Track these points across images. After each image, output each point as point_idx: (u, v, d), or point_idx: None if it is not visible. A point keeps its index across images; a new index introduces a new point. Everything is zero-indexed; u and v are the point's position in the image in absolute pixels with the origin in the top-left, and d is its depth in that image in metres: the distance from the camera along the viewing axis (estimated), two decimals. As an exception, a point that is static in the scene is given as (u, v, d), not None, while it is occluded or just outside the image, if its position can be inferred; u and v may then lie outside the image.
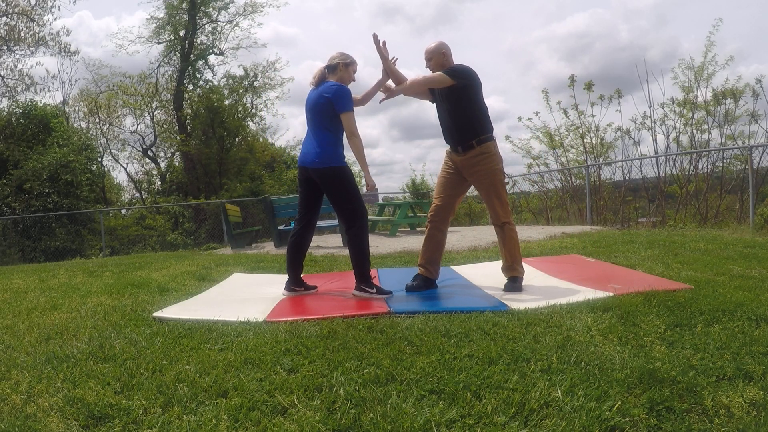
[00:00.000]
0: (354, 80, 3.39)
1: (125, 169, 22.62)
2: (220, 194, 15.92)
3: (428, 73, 3.36)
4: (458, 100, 3.24)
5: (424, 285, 3.39)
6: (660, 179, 9.11)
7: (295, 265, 3.44)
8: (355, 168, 8.80)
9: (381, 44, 3.33)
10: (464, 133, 3.27)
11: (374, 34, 3.28)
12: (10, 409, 1.69)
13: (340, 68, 3.28)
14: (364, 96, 3.55)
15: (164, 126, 20.53)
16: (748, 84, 8.88)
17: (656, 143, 10.03)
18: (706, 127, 9.44)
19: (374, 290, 3.17)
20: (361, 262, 3.21)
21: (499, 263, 3.43)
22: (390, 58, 3.36)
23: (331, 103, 3.14)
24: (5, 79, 15.38)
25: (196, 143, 17.80)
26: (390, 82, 3.47)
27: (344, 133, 3.25)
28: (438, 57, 3.33)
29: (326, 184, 3.24)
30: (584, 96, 10.56)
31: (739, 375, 1.70)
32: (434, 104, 3.48)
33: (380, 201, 15.21)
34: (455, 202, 3.46)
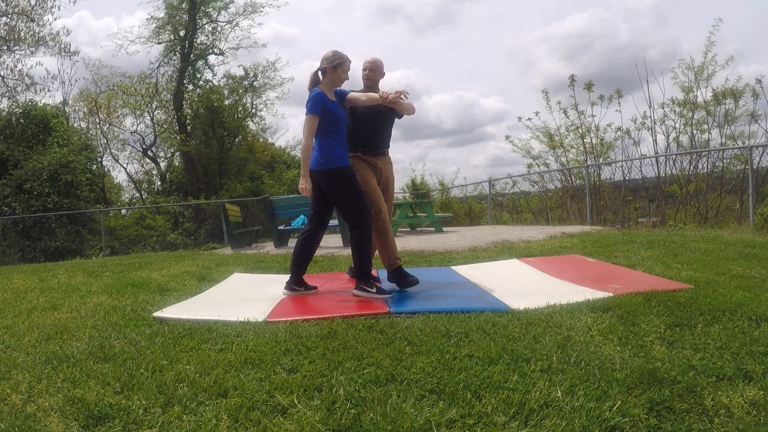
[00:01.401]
0: (347, 79, 3.40)
1: (125, 169, 22.65)
2: (220, 194, 15.93)
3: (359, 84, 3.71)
4: (390, 115, 3.71)
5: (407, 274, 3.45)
6: (660, 179, 9.10)
7: (299, 264, 3.45)
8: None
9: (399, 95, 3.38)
10: (386, 141, 3.79)
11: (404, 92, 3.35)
12: (10, 409, 1.69)
13: (328, 72, 3.31)
14: (369, 98, 3.47)
15: (164, 126, 20.55)
16: (748, 84, 8.87)
17: (656, 143, 10.03)
18: (706, 127, 9.43)
19: (374, 290, 3.18)
20: (362, 261, 3.22)
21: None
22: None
23: None
24: (5, 79, 15.40)
25: (196, 143, 17.81)
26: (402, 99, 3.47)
27: (345, 134, 3.32)
28: (379, 73, 3.70)
29: (327, 185, 3.26)
30: (584, 96, 10.57)
31: (739, 375, 1.70)
32: (346, 111, 3.53)
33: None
34: None
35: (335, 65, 3.30)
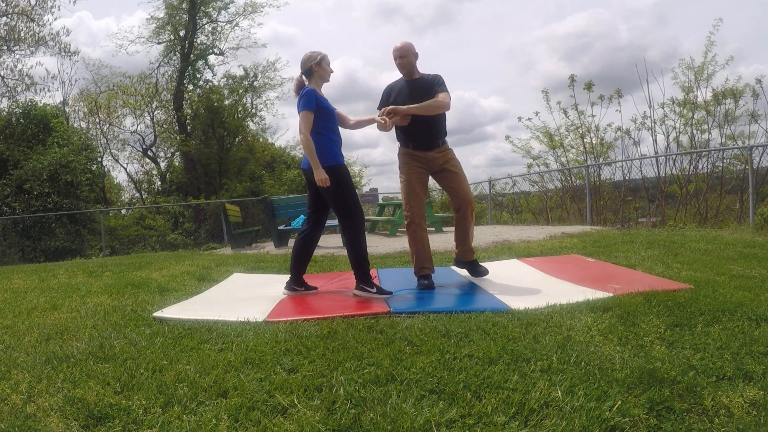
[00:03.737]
0: (332, 71, 3.41)
1: (125, 169, 22.64)
2: (220, 194, 15.92)
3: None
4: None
5: (433, 282, 3.49)
6: (660, 179, 9.10)
7: (299, 264, 3.45)
8: (355, 168, 8.75)
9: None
10: (439, 132, 3.59)
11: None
12: (10, 409, 1.69)
13: (314, 69, 3.32)
14: (357, 122, 3.58)
15: (164, 126, 20.52)
16: (748, 84, 8.89)
17: (656, 143, 10.04)
18: (706, 127, 9.44)
19: (374, 290, 3.18)
20: (359, 261, 3.22)
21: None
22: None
23: None
24: (5, 79, 15.40)
25: (196, 143, 17.79)
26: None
27: (339, 131, 3.36)
28: (411, 57, 3.53)
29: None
30: (584, 96, 10.59)
31: (739, 375, 1.70)
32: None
33: (380, 201, 15.23)
34: (425, 199, 3.72)
35: (318, 60, 3.32)
